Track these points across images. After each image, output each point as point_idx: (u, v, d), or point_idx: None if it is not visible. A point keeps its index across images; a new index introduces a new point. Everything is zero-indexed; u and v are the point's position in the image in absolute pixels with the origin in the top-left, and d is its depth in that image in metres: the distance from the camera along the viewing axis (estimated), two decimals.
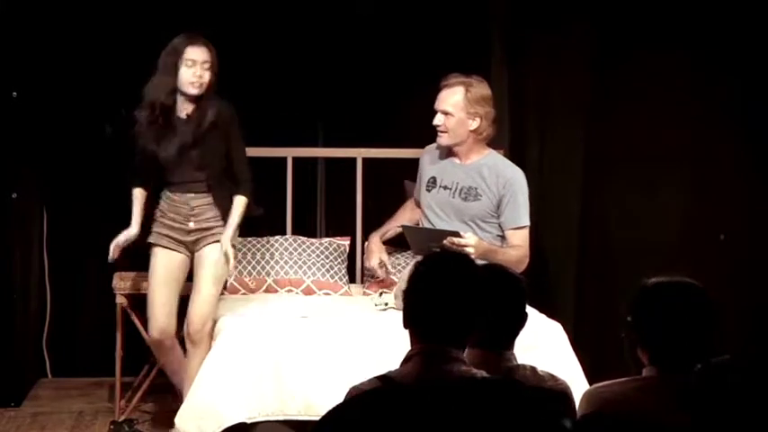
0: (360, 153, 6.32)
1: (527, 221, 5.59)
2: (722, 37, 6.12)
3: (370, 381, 3.09)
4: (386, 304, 5.65)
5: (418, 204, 5.85)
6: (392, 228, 5.90)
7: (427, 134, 5.93)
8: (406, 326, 3.22)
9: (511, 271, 3.75)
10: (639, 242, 6.25)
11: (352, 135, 6.47)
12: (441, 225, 5.59)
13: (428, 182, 5.72)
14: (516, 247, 5.53)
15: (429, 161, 5.76)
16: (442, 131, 5.58)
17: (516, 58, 6.40)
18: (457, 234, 5.38)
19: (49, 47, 6.28)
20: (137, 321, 5.76)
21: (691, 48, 6.18)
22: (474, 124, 5.55)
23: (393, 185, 6.31)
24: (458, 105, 5.54)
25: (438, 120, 5.57)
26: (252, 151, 6.21)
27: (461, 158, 5.65)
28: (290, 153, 6.29)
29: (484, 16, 6.44)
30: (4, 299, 6.18)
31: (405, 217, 5.90)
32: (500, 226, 5.59)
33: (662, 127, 6.26)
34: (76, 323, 6.58)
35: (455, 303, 3.13)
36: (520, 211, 5.57)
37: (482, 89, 5.58)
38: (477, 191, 5.59)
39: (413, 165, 6.15)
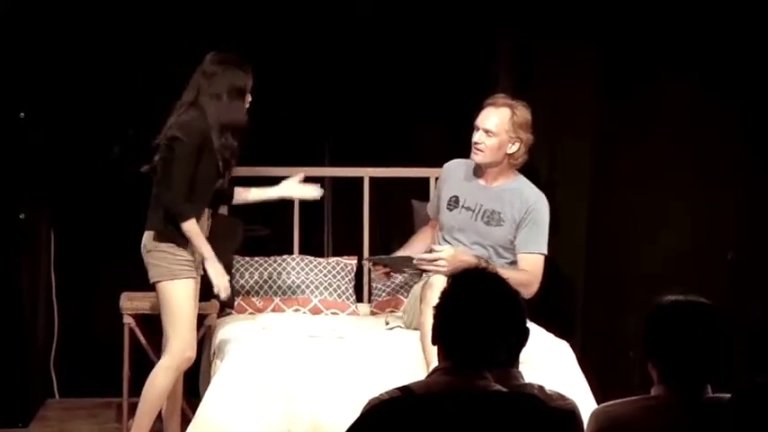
0: (367, 172, 6.32)
1: (543, 249, 5.50)
2: (731, 54, 6.12)
3: (390, 391, 3.07)
4: (386, 323, 5.66)
5: (433, 223, 5.77)
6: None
7: (434, 153, 5.94)
8: (434, 342, 3.19)
9: (509, 286, 3.71)
10: (648, 259, 6.24)
11: (360, 154, 6.47)
12: (457, 246, 5.51)
13: (450, 200, 5.63)
14: (522, 271, 5.43)
15: (451, 179, 5.68)
16: (479, 149, 5.50)
17: (524, 74, 6.40)
18: (412, 260, 5.37)
19: (56, 67, 6.29)
20: (144, 342, 5.76)
21: (699, 63, 6.17)
22: (513, 148, 5.48)
23: (400, 205, 6.31)
24: (502, 126, 5.46)
25: (479, 137, 5.48)
26: (259, 171, 6.24)
27: (488, 180, 5.58)
28: (296, 172, 6.29)
29: (492, 33, 6.44)
30: (12, 319, 6.18)
31: (420, 243, 5.79)
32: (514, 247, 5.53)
33: (670, 142, 6.26)
34: (84, 344, 6.56)
35: (486, 322, 3.10)
36: (536, 238, 5.49)
37: (526, 114, 5.50)
38: (500, 216, 5.52)
39: (420, 184, 6.15)
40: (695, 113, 6.20)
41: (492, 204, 5.54)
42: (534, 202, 5.53)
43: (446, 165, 5.74)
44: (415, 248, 5.78)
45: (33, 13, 6.16)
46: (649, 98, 6.22)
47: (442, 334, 3.15)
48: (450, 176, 5.69)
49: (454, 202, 5.62)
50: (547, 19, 6.29)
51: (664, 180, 6.25)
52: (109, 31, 6.29)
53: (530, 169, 6.08)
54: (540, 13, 6.30)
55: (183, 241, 5.20)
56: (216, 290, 5.26)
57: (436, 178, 5.96)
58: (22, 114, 6.15)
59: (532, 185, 5.63)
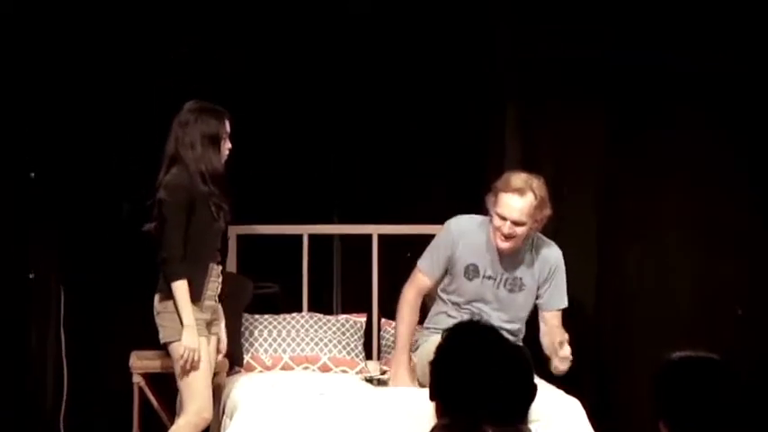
0: (375, 230, 6.32)
1: (566, 303, 5.55)
2: (737, 111, 6.15)
3: None
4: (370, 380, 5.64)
5: (425, 282, 5.62)
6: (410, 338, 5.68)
7: (442, 211, 5.93)
8: (432, 398, 3.18)
9: (513, 342, 3.68)
10: (656, 314, 6.24)
11: (368, 212, 6.47)
12: (477, 313, 5.46)
13: (468, 269, 5.52)
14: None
15: (464, 243, 5.52)
16: (510, 238, 5.37)
17: (530, 128, 6.42)
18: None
19: (66, 127, 6.31)
20: (154, 401, 5.74)
21: (703, 119, 6.20)
22: (537, 226, 5.41)
23: (409, 262, 6.30)
24: (529, 214, 5.33)
25: (509, 229, 5.33)
26: (268, 229, 6.26)
27: (504, 251, 5.46)
28: (305, 230, 6.31)
29: (498, 87, 6.47)
30: (20, 378, 6.18)
31: (413, 319, 5.66)
32: (537, 304, 5.52)
33: (676, 196, 6.28)
34: (94, 402, 6.53)
35: (479, 374, 3.07)
36: (561, 294, 5.54)
37: (544, 190, 5.37)
38: (521, 281, 5.49)
39: (429, 241, 6.14)
40: (701, 168, 6.22)
41: (513, 271, 5.50)
42: (555, 261, 5.53)
43: (454, 224, 5.60)
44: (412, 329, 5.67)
45: (41, 74, 6.19)
46: (656, 155, 6.24)
47: (438, 389, 3.11)
48: (463, 240, 5.53)
49: (473, 272, 5.53)
50: (552, 78, 6.32)
51: (670, 234, 6.26)
52: (117, 91, 6.32)
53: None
54: (545, 71, 6.33)
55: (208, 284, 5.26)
56: (177, 359, 5.21)
57: None
58: (33, 174, 6.18)
59: (546, 240, 5.60)
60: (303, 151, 6.54)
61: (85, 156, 6.39)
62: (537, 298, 5.53)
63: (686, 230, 6.28)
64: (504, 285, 5.51)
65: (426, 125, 6.53)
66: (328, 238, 6.58)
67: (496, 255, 5.51)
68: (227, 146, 5.34)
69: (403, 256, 6.02)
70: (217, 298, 5.39)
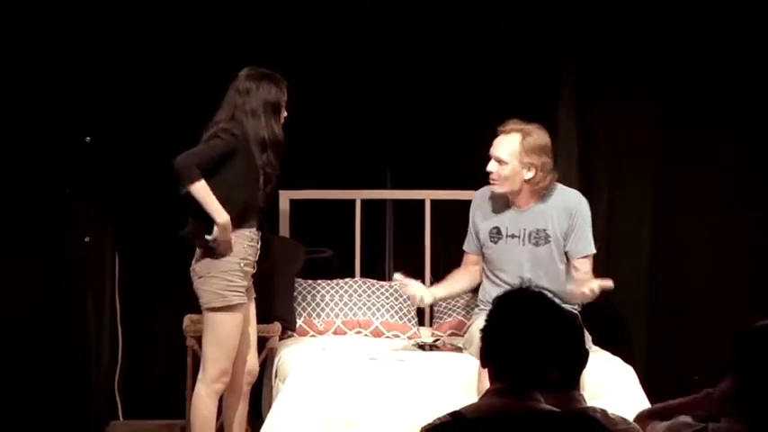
0: (428, 195, 6.31)
1: (593, 248, 5.45)
2: None
3: (440, 417, 3.08)
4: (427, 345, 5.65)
5: (472, 259, 5.61)
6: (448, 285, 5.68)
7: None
8: (483, 365, 3.19)
9: (566, 309, 3.66)
10: (712, 285, 6.20)
11: (421, 177, 6.46)
12: (514, 276, 5.41)
13: (491, 233, 5.49)
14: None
15: (483, 209, 5.53)
16: (493, 179, 5.37)
17: (586, 102, 6.39)
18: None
19: (120, 92, 6.35)
20: None
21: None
22: (528, 174, 5.33)
23: (461, 228, 6.29)
24: (512, 154, 5.31)
25: (491, 167, 5.35)
26: (321, 194, 6.27)
27: (521, 205, 5.44)
28: (358, 195, 6.31)
29: (554, 61, 6.43)
30: (76, 342, 6.24)
31: (461, 282, 5.64)
32: (566, 253, 5.45)
33: (732, 171, 6.24)
34: (148, 366, 6.60)
35: (534, 341, 3.10)
36: (586, 240, 5.43)
37: (540, 138, 5.34)
38: (545, 232, 5.41)
39: None
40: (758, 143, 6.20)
41: (535, 224, 5.42)
42: (575, 206, 5.43)
43: (476, 194, 5.61)
44: (459, 283, 5.65)
45: (103, 37, 6.23)
46: (711, 130, 6.24)
47: (489, 355, 3.15)
48: (483, 206, 5.55)
49: (496, 234, 5.49)
50: (611, 48, 6.29)
51: (727, 207, 6.24)
52: (176, 58, 6.34)
53: (591, 198, 6.05)
54: (604, 43, 6.30)
55: (247, 250, 5.19)
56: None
57: None
58: (88, 138, 6.22)
59: (566, 189, 5.51)
60: (357, 116, 6.54)
61: (141, 121, 6.43)
62: (564, 247, 5.46)
63: (744, 203, 6.25)
64: (529, 240, 5.44)
65: (482, 91, 6.50)
66: (381, 203, 6.58)
67: (516, 214, 5.45)
68: (284, 114, 5.29)
69: (454, 220, 6.00)
70: (255, 264, 5.32)
